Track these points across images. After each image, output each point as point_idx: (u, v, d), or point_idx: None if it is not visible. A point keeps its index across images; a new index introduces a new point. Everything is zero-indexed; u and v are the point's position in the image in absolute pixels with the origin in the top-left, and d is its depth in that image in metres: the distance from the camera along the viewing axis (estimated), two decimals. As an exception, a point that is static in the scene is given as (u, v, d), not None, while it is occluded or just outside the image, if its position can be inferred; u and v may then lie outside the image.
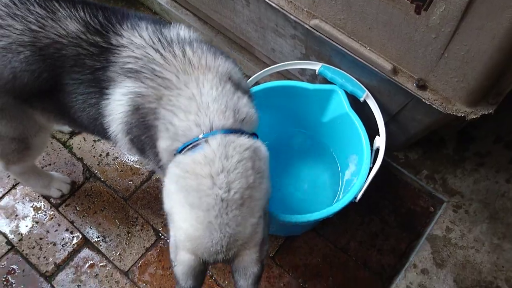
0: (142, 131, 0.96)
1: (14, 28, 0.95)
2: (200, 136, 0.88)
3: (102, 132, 1.06)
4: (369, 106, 1.32)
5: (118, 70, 0.96)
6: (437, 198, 1.60)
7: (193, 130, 0.88)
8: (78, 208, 1.57)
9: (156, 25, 1.01)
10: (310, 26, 1.22)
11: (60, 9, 0.98)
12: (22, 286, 1.44)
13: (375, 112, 1.30)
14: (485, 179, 1.60)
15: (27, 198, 1.59)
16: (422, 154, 1.65)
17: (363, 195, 1.23)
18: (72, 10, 0.99)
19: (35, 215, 1.56)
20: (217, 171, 0.84)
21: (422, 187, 1.62)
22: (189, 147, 0.88)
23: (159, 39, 0.97)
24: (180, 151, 0.90)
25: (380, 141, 1.28)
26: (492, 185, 1.59)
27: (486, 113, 1.10)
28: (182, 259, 0.88)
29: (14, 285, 1.44)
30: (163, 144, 0.93)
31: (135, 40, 0.97)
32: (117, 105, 0.97)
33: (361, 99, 1.33)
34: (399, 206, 1.60)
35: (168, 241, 1.49)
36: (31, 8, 0.97)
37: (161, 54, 0.95)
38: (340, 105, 1.37)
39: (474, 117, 1.10)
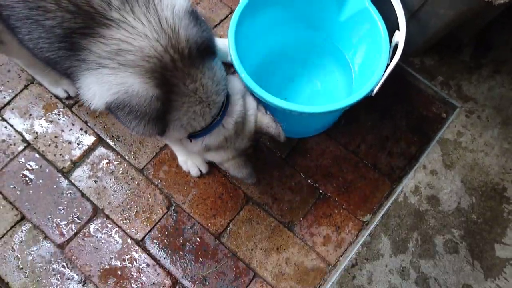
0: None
1: None
2: None
3: (61, 72, 1.05)
4: (388, 1, 1.27)
5: (102, 52, 0.94)
6: (451, 104, 1.59)
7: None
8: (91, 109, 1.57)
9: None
10: None
11: None
12: (40, 181, 1.48)
13: (396, 4, 1.25)
14: (500, 86, 1.59)
15: (39, 98, 1.59)
16: (438, 60, 1.62)
17: (375, 97, 1.22)
18: None
19: (49, 114, 1.57)
20: None
21: (436, 93, 1.61)
22: None
23: (160, 24, 0.95)
24: None
25: (400, 36, 1.24)
26: (507, 92, 1.58)
27: (515, -3, 1.06)
28: None
29: (33, 180, 1.48)
30: None
31: (129, 19, 0.93)
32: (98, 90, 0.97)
33: (382, -8, 1.28)
34: (411, 112, 1.60)
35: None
36: None
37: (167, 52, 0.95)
38: (359, 1, 1.32)
39: (502, 2, 1.05)
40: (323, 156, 1.54)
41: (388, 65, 1.24)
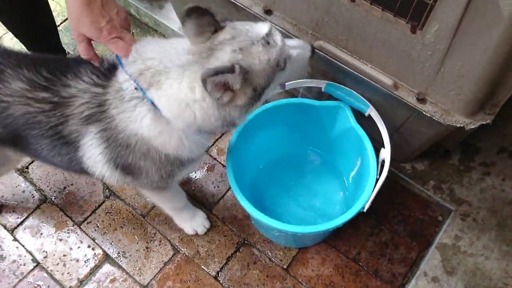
0: (122, 154, 1.04)
1: None
2: None
3: (78, 171, 1.14)
4: (374, 120, 1.39)
5: (77, 122, 1.02)
6: (445, 208, 1.64)
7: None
8: (99, 225, 1.65)
9: (93, 64, 1.05)
10: (315, 47, 1.30)
11: (7, 69, 1.03)
12: (47, 301, 1.51)
13: (379, 125, 1.36)
14: (491, 187, 1.64)
15: (50, 217, 1.67)
16: (428, 165, 1.70)
17: (372, 206, 1.28)
18: (17, 69, 1.03)
19: (59, 233, 1.64)
20: None
21: (430, 197, 1.66)
22: None
23: (97, 75, 1.03)
24: None
25: (386, 153, 1.34)
26: (499, 193, 1.63)
27: (484, 123, 1.16)
28: None
29: (40, 301, 1.51)
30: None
31: (80, 86, 1.02)
32: (93, 153, 1.04)
33: (366, 114, 1.39)
34: (407, 216, 1.65)
35: (185, 255, 1.56)
36: None
37: (100, 85, 1.02)
38: (346, 120, 1.44)
39: (473, 127, 1.15)
40: (324, 265, 1.56)
41: (377, 180, 1.32)
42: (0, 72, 1.03)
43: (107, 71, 1.03)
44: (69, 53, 2.08)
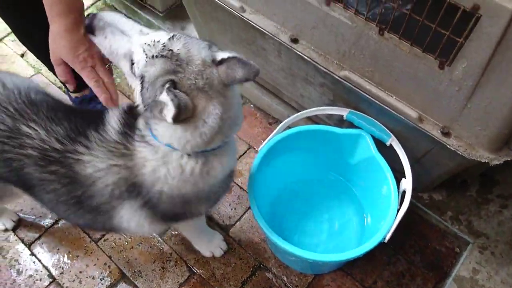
0: (168, 209, 1.05)
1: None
2: None
3: (103, 230, 1.19)
4: (395, 150, 1.40)
5: (108, 198, 1.02)
6: (463, 239, 1.63)
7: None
8: (116, 243, 1.66)
9: (98, 127, 1.02)
10: (340, 77, 1.32)
11: (23, 128, 1.01)
12: (62, 318, 1.51)
13: (401, 156, 1.38)
14: (509, 221, 1.64)
15: (68, 233, 1.68)
16: (446, 196, 1.70)
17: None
18: (34, 132, 1.01)
19: (76, 249, 1.65)
20: None
21: (447, 228, 1.66)
22: None
23: (109, 150, 1.00)
24: None
25: (407, 184, 1.34)
26: (517, 227, 1.62)
27: (509, 159, 1.17)
28: None
29: (54, 317, 1.51)
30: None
31: (98, 165, 1.00)
32: (134, 221, 1.06)
33: (387, 143, 1.41)
34: (424, 247, 1.64)
35: (201, 277, 1.56)
36: (4, 120, 1.02)
37: (122, 166, 1.00)
38: (367, 149, 1.45)
39: (497, 163, 1.16)
40: (340, 293, 1.55)
41: (398, 210, 1.33)
42: (18, 129, 1.02)
43: (123, 136, 1.01)
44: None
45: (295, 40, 1.38)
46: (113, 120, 1.02)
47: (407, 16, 1.04)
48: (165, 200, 1.02)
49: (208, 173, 1.01)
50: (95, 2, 2.38)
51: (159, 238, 1.66)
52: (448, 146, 1.21)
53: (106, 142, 1.00)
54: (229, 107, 0.89)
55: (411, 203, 1.68)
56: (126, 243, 1.66)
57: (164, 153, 0.96)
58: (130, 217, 1.05)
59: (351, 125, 1.49)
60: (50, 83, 2.10)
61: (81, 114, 1.08)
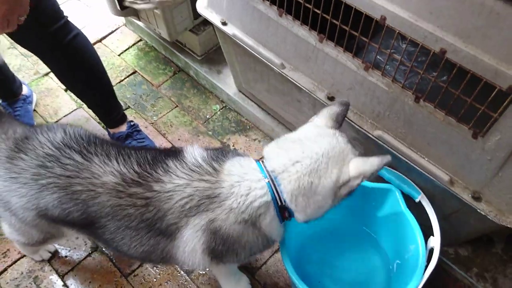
0: (226, 242, 1.11)
1: (54, 171, 1.12)
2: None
3: (157, 261, 1.21)
4: (423, 207, 1.44)
5: (178, 215, 1.08)
6: (488, 297, 1.64)
7: (263, 187, 1.07)
8: (145, 279, 1.71)
9: (177, 157, 1.13)
10: (373, 136, 1.38)
11: (95, 158, 1.12)
12: None
13: (430, 214, 1.41)
14: (535, 282, 1.64)
15: (100, 266, 1.74)
16: (471, 252, 1.72)
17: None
18: (106, 161, 1.11)
19: (106, 283, 1.70)
20: None
21: (472, 285, 1.67)
22: None
23: (191, 169, 1.10)
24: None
25: (435, 242, 1.38)
26: (542, 288, 1.62)
27: (538, 227, 1.20)
28: None
29: None
30: (270, 223, 1.11)
31: (178, 181, 1.09)
32: (191, 243, 1.11)
33: (417, 200, 1.45)
34: (449, 302, 1.65)
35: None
36: (73, 155, 1.13)
37: (205, 180, 1.09)
38: (396, 204, 1.49)
39: (526, 230, 1.19)
40: None
41: (426, 266, 1.35)
42: (89, 161, 1.12)
43: (210, 163, 1.12)
44: (128, 107, 2.23)
45: (331, 98, 1.45)
46: (196, 152, 1.14)
47: (443, 88, 1.11)
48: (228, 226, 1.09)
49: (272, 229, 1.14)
50: (136, 43, 2.52)
51: (187, 277, 1.71)
52: (478, 210, 1.25)
53: (188, 165, 1.11)
54: None
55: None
56: (155, 279, 1.71)
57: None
58: (190, 238, 1.10)
59: (381, 180, 1.54)
60: (90, 117, 2.21)
61: (148, 150, 1.19)
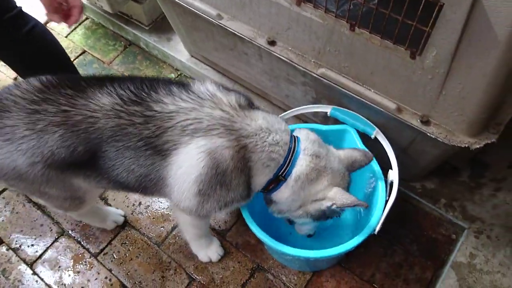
0: (218, 183, 1.10)
1: (48, 112, 1.08)
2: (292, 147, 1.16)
3: (151, 189, 1.17)
4: (380, 142, 1.41)
5: (178, 133, 1.07)
6: (458, 225, 1.64)
7: (284, 152, 1.14)
8: (115, 256, 1.68)
9: (184, 87, 1.13)
10: (318, 75, 1.34)
11: (88, 88, 1.11)
12: (67, 334, 1.54)
13: (386, 147, 1.39)
14: (503, 203, 1.64)
15: (68, 249, 1.71)
16: (438, 183, 1.71)
17: (383, 227, 1.29)
18: (101, 86, 1.10)
19: (76, 265, 1.67)
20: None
21: (441, 215, 1.67)
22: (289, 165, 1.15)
23: (200, 97, 1.11)
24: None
25: (394, 175, 1.36)
26: (511, 209, 1.62)
27: (489, 142, 1.18)
28: None
29: (59, 333, 1.53)
30: (263, 179, 1.16)
31: (182, 104, 1.08)
32: (188, 165, 1.08)
33: (372, 136, 1.42)
34: (420, 235, 1.65)
35: (200, 283, 1.58)
36: (62, 91, 1.10)
37: (224, 111, 1.09)
38: (353, 143, 1.46)
39: (478, 146, 1.17)
40: (339, 288, 1.56)
41: (386, 201, 1.34)
42: (83, 91, 1.09)
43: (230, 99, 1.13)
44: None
45: (272, 43, 1.40)
46: (209, 86, 1.15)
47: (374, 10, 1.06)
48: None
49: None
50: (82, 22, 2.42)
51: (157, 248, 1.69)
52: (428, 134, 1.22)
53: (195, 93, 1.11)
54: None
55: (404, 193, 1.71)
56: (126, 255, 1.68)
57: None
58: (188, 158, 1.07)
59: (336, 121, 1.51)
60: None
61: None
